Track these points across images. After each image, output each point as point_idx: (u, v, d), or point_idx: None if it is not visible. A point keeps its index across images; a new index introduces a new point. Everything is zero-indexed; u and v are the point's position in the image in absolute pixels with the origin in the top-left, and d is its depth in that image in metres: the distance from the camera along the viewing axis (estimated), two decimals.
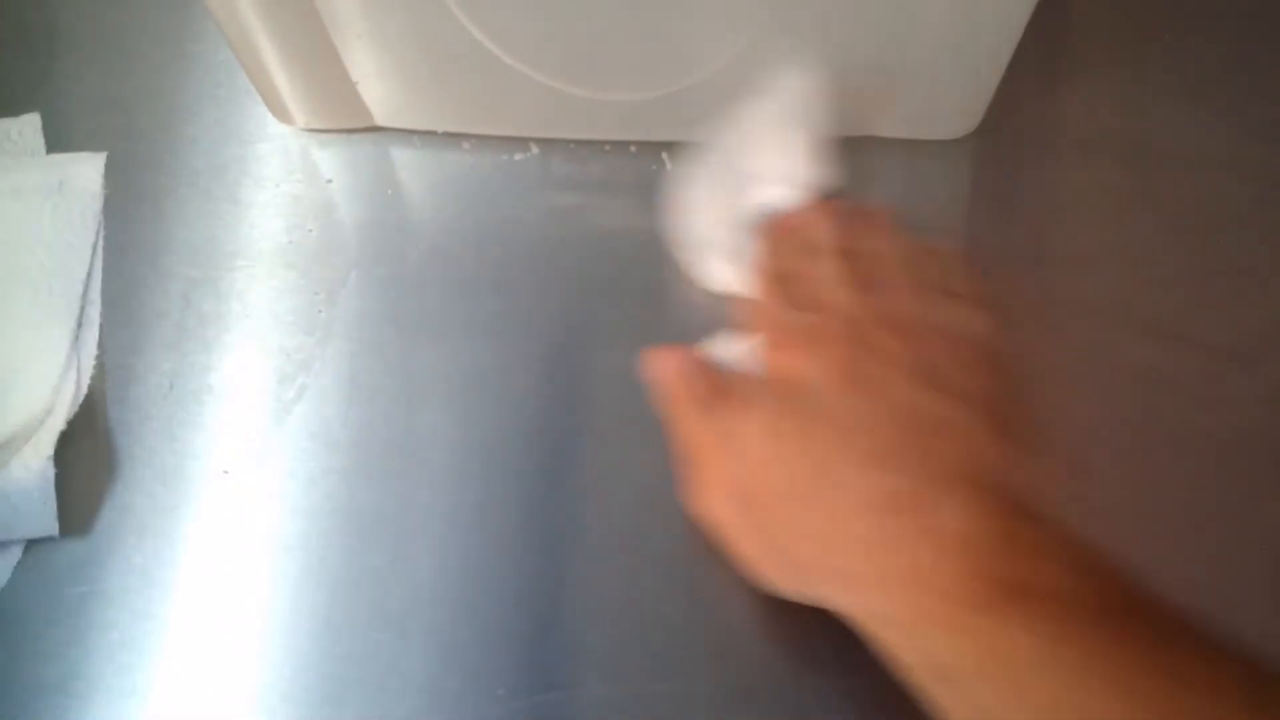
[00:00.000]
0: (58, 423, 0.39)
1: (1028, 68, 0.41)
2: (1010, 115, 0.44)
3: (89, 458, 0.39)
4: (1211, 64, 0.46)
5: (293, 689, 0.36)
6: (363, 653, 0.37)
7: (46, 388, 0.39)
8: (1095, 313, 0.41)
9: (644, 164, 0.44)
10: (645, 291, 0.42)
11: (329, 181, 0.44)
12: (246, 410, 0.40)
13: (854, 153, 0.44)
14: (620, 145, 0.45)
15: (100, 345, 0.41)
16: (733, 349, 0.38)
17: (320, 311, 0.42)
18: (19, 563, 0.38)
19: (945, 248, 0.37)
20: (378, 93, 0.43)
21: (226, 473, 0.39)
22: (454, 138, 0.45)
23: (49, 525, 0.38)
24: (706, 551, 0.37)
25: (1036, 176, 0.44)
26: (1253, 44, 0.46)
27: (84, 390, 0.40)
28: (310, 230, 0.44)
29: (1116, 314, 0.41)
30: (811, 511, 0.32)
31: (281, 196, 0.44)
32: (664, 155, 0.44)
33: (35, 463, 0.38)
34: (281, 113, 0.45)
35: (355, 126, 0.45)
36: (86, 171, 0.44)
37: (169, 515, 0.39)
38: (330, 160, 0.45)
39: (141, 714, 0.36)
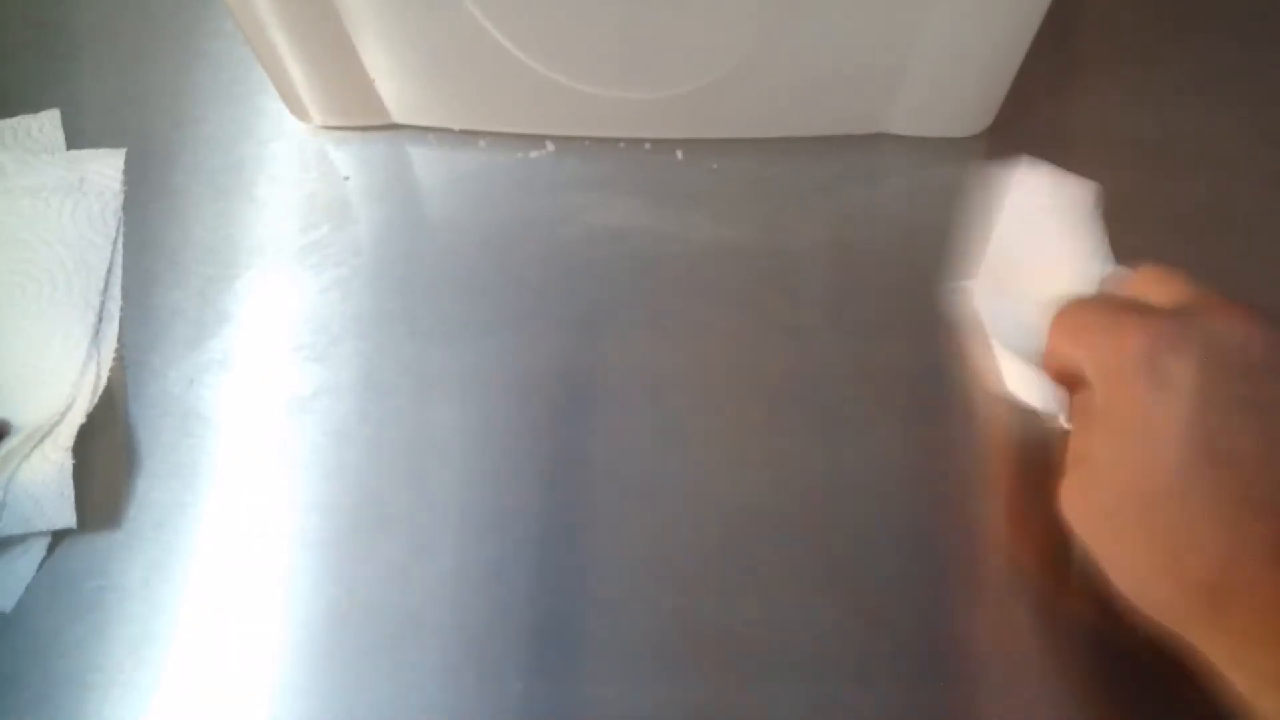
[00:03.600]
0: (77, 417, 0.39)
1: (1041, 66, 0.41)
2: (1023, 114, 0.44)
3: (109, 453, 0.40)
4: (1226, 65, 0.46)
5: (310, 681, 0.37)
6: (379, 645, 0.37)
7: (66, 383, 0.40)
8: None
9: (658, 161, 0.44)
10: (660, 288, 0.42)
11: (345, 179, 0.45)
12: (264, 406, 0.41)
13: (867, 150, 0.44)
14: (635, 143, 0.45)
15: (119, 341, 0.41)
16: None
17: (336, 308, 0.42)
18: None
19: None
20: (394, 90, 0.43)
21: (243, 468, 0.40)
22: (470, 135, 0.45)
23: (67, 517, 0.38)
24: (718, 547, 0.38)
25: None
26: (1267, 45, 0.46)
27: (103, 384, 0.40)
28: (326, 228, 0.44)
29: None
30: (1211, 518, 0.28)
31: (298, 194, 0.45)
32: (678, 152, 0.45)
33: (55, 455, 0.38)
34: (298, 110, 0.45)
35: (371, 124, 0.45)
36: (106, 168, 0.44)
37: (187, 510, 0.39)
38: (347, 158, 0.45)
39: (160, 706, 0.36)
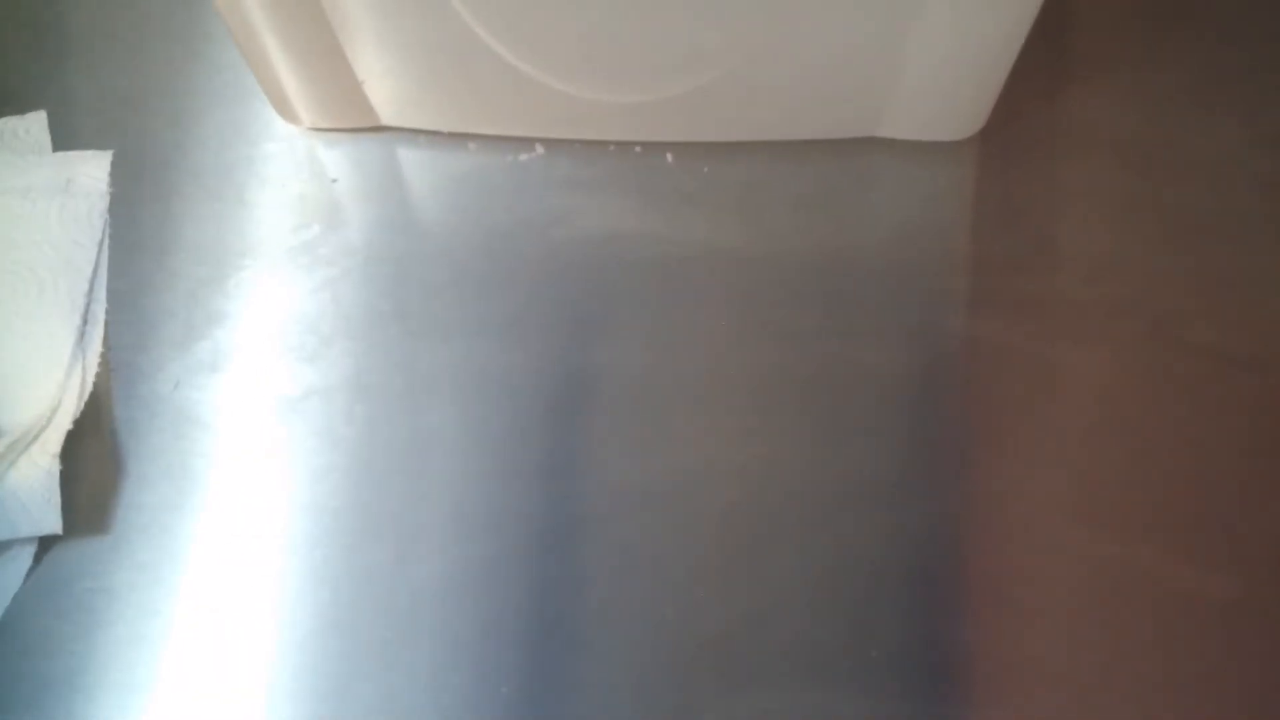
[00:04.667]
0: (64, 422, 0.39)
1: (1033, 69, 0.41)
2: (1015, 117, 0.44)
3: (96, 456, 0.40)
4: (1218, 67, 0.46)
5: (298, 685, 0.36)
6: (367, 649, 0.37)
7: (52, 384, 0.40)
8: (1099, 314, 0.41)
9: (649, 164, 0.44)
10: (651, 291, 0.42)
11: (335, 181, 0.45)
12: (254, 408, 0.41)
13: (859, 154, 0.44)
14: (625, 146, 0.45)
15: (107, 344, 0.41)
16: None
17: (327, 310, 0.42)
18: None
19: None
20: (384, 93, 0.43)
21: (233, 470, 0.40)
22: (460, 138, 0.45)
23: (53, 523, 0.38)
24: (711, 550, 0.38)
25: (1041, 178, 0.44)
26: (1260, 47, 0.46)
27: (89, 389, 0.40)
28: (316, 230, 0.44)
29: (1120, 317, 0.41)
30: None
31: (288, 196, 0.44)
32: (669, 156, 0.44)
33: (43, 461, 0.38)
34: (288, 113, 0.45)
35: (361, 126, 0.45)
36: (92, 169, 0.44)
37: (175, 512, 0.39)
38: (336, 160, 0.45)
39: (148, 709, 0.36)
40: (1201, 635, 0.36)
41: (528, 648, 0.37)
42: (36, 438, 0.39)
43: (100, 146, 0.45)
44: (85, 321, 0.41)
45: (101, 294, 0.42)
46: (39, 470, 0.38)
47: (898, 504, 0.38)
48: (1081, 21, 0.47)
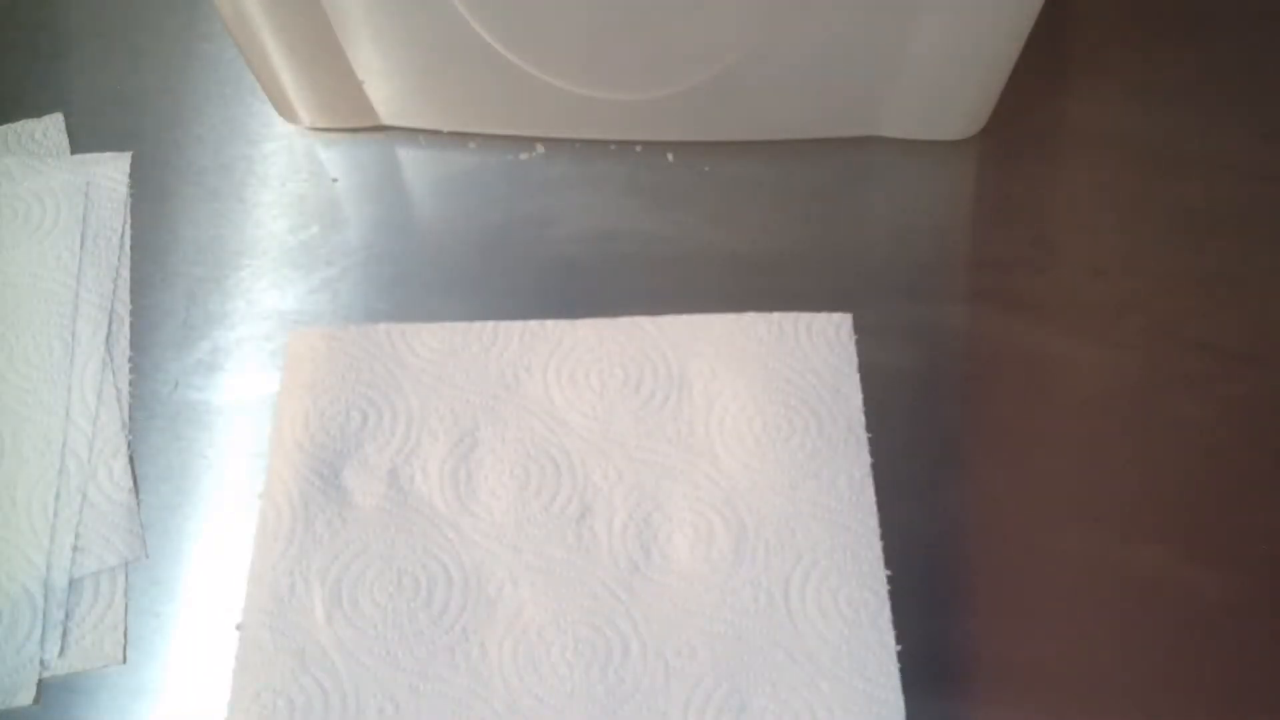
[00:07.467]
0: (121, 446, 0.39)
1: (1034, 69, 0.41)
2: (1016, 116, 0.44)
3: None
4: (1218, 66, 0.46)
5: None
6: None
7: (88, 390, 0.40)
8: (1100, 313, 0.41)
9: (650, 163, 0.44)
10: (651, 290, 0.42)
11: (334, 180, 0.45)
12: (252, 408, 0.41)
13: (859, 153, 0.44)
14: (626, 145, 0.45)
15: (134, 344, 0.41)
16: None
17: (325, 309, 0.42)
18: None
19: None
20: (383, 92, 0.43)
21: (232, 470, 0.40)
22: (459, 137, 0.45)
23: (137, 550, 0.38)
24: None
25: (1042, 177, 0.44)
26: (1260, 46, 0.46)
27: (126, 398, 0.40)
28: (316, 229, 0.44)
29: (1120, 315, 0.41)
30: None
31: (287, 195, 0.44)
32: (669, 155, 0.44)
33: (118, 494, 0.39)
34: (288, 112, 0.45)
35: (361, 126, 0.45)
36: (112, 171, 0.44)
37: (174, 513, 0.39)
38: (336, 159, 0.45)
39: (147, 711, 0.36)
40: (1202, 635, 0.36)
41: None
42: (102, 468, 0.39)
43: (99, 147, 0.45)
44: (110, 321, 0.41)
45: (125, 294, 0.42)
46: (116, 505, 0.38)
47: (898, 504, 0.38)
48: (1082, 21, 0.47)
